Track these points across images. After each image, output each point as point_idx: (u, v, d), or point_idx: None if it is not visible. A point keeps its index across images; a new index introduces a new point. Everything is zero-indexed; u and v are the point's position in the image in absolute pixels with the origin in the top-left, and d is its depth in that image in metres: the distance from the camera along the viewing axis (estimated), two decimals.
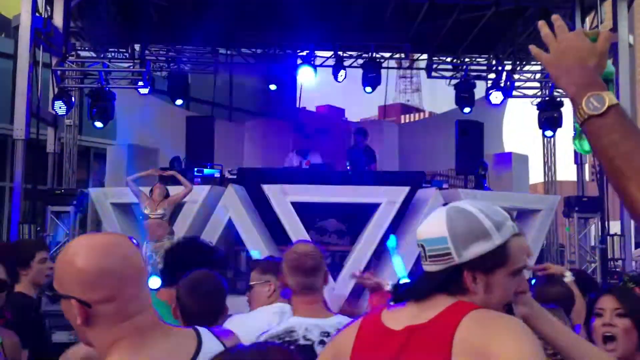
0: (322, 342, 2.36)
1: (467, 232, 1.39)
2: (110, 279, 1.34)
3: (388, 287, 3.34)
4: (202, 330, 1.52)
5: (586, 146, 1.21)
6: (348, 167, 10.35)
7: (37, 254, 3.36)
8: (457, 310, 1.35)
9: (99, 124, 10.08)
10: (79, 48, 12.20)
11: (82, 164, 14.30)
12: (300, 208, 8.75)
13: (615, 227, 10.19)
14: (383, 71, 12.35)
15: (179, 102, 12.02)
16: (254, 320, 2.90)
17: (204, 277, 2.44)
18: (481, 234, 1.39)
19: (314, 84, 13.03)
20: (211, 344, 1.47)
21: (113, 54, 12.60)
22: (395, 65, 15.32)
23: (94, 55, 12.32)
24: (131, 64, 11.16)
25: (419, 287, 1.46)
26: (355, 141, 10.66)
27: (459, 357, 1.27)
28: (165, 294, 2.65)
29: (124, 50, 12.60)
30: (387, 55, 12.74)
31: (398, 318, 1.44)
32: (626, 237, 9.52)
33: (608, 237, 9.55)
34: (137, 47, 12.39)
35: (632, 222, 9.48)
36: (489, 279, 1.38)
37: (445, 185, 9.70)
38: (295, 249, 2.54)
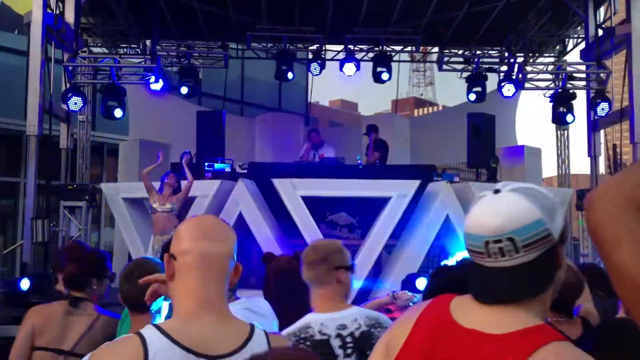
0: (338, 336, 2.38)
1: (550, 208, 1.30)
2: None
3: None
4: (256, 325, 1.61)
5: None
6: (359, 161, 10.33)
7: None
8: (538, 336, 1.24)
9: (118, 113, 10.10)
10: (91, 44, 12.30)
11: (95, 159, 14.43)
12: (311, 202, 8.76)
13: None
14: (395, 65, 12.29)
15: (184, 90, 12.03)
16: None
17: (140, 263, 2.55)
18: (553, 207, 1.32)
19: (327, 78, 13.01)
20: (261, 338, 1.55)
21: (125, 50, 12.67)
22: (407, 59, 15.25)
23: (105, 51, 12.40)
24: (142, 59, 11.20)
25: (520, 284, 1.29)
26: (370, 139, 10.69)
27: None
28: None
29: (136, 45, 12.66)
30: (398, 48, 12.69)
31: (467, 314, 1.34)
32: None
33: None
34: (148, 42, 12.45)
35: None
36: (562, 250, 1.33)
37: (456, 179, 9.63)
38: (312, 243, 2.63)
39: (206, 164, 9.40)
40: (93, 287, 3.12)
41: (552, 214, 1.30)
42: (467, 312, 1.35)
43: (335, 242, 2.61)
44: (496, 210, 1.29)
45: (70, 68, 9.86)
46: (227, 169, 9.49)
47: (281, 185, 8.63)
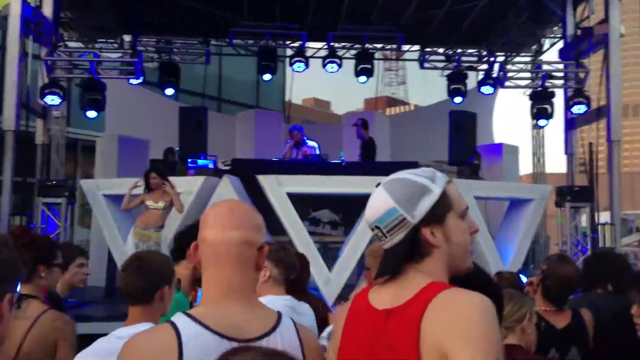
0: None
1: (410, 193, 1.46)
2: None
3: None
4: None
5: None
6: (342, 158, 10.34)
7: (77, 259, 3.63)
8: (428, 293, 1.38)
9: (92, 114, 9.95)
10: (67, 39, 12.05)
11: (69, 156, 14.15)
12: (294, 199, 8.73)
13: (603, 217, 10.31)
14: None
15: (169, 91, 11.86)
16: (271, 301, 2.87)
17: (139, 256, 2.51)
18: (421, 190, 1.47)
19: (300, 76, 13.00)
20: (289, 326, 1.60)
21: (102, 45, 12.46)
22: (381, 57, 15.31)
23: (82, 46, 12.17)
24: (122, 54, 11.02)
25: (389, 262, 1.49)
26: (358, 134, 10.72)
27: (426, 344, 1.31)
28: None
29: (113, 40, 12.46)
30: (379, 46, 12.73)
31: (382, 296, 1.49)
32: (616, 226, 9.62)
33: (599, 226, 9.65)
34: (127, 37, 12.27)
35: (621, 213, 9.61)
36: (444, 228, 1.46)
37: None
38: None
39: (189, 160, 9.31)
40: (41, 276, 2.79)
41: (412, 200, 1.46)
42: (379, 295, 1.50)
43: None
44: (369, 204, 1.52)
45: (50, 62, 9.65)
46: (211, 166, 9.41)
47: (266, 181, 8.59)
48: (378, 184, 1.53)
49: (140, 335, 1.48)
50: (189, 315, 1.48)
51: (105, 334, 2.27)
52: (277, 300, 2.85)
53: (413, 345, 1.32)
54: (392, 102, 78.25)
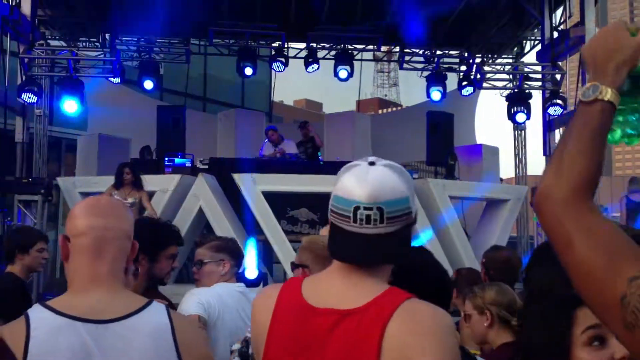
0: None
1: (412, 188, 1.41)
2: None
3: None
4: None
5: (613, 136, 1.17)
6: (320, 157, 10.39)
7: (38, 243, 3.69)
8: (390, 299, 1.31)
9: (70, 108, 9.92)
10: (49, 37, 12.05)
11: (53, 155, 14.12)
12: (272, 198, 8.78)
13: None
14: (358, 65, 12.42)
15: (148, 85, 11.80)
16: (224, 288, 2.97)
17: None
18: (414, 188, 1.42)
19: (293, 78, 13.04)
20: (160, 311, 1.58)
21: (84, 44, 12.46)
22: (371, 58, 15.38)
23: (64, 44, 12.16)
24: (101, 52, 11.02)
25: (377, 251, 1.35)
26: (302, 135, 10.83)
27: (387, 351, 1.26)
28: None
29: (95, 39, 12.46)
30: (360, 47, 12.79)
31: (320, 293, 1.38)
32: None
33: None
34: (107, 36, 12.27)
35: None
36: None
37: (415, 175, 9.79)
38: None
39: (166, 158, 9.34)
40: None
41: (414, 195, 1.39)
42: (319, 292, 1.39)
43: None
44: (372, 180, 1.35)
45: (26, 60, 9.66)
46: (188, 164, 9.44)
47: (241, 180, 8.64)
48: (372, 163, 1.39)
49: None
50: (43, 304, 1.51)
51: None
52: (230, 287, 3.02)
53: (374, 350, 1.26)
54: (384, 103, 78.49)
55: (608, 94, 1.06)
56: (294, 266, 2.59)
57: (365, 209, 1.33)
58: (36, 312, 1.50)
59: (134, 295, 1.63)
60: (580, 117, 1.07)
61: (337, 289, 1.36)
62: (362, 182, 1.35)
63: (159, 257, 2.58)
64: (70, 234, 1.58)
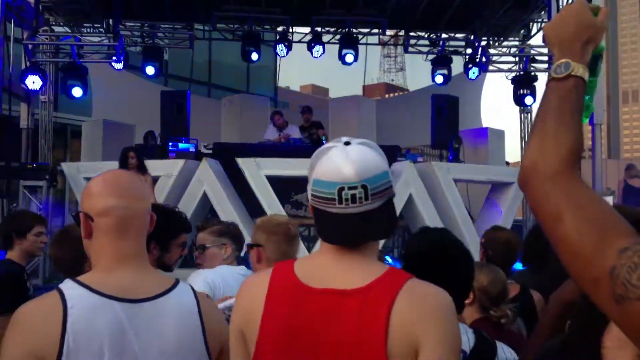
0: None
1: (387, 161, 1.42)
2: None
3: None
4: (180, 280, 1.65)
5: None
6: (324, 142, 10.36)
7: (35, 227, 3.58)
8: (392, 279, 1.33)
9: (77, 92, 9.93)
10: (53, 23, 12.03)
11: (59, 141, 14.17)
12: (276, 182, 8.77)
13: None
14: (364, 50, 12.33)
15: (150, 70, 11.76)
16: (227, 270, 2.99)
17: (72, 227, 2.51)
18: (387, 161, 1.43)
19: (299, 63, 12.99)
20: (187, 290, 1.61)
21: (88, 30, 12.43)
22: (376, 42, 15.27)
23: (68, 30, 12.15)
24: (105, 38, 11.00)
25: (360, 230, 1.35)
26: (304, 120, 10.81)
27: (394, 332, 1.28)
28: None
29: (99, 25, 12.43)
30: (365, 31, 12.70)
31: (315, 274, 1.37)
32: None
33: None
34: (111, 22, 12.22)
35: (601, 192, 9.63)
36: None
37: (420, 159, 9.75)
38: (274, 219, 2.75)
39: (170, 143, 9.35)
40: None
41: (391, 172, 1.41)
42: (314, 273, 1.38)
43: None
44: (353, 159, 1.35)
45: (30, 46, 9.67)
46: (192, 149, 9.44)
47: (245, 164, 8.63)
48: (347, 143, 1.38)
49: (28, 303, 1.49)
50: (77, 281, 1.49)
51: None
52: (232, 269, 3.04)
53: (381, 329, 1.27)
54: (391, 88, 78.17)
55: (580, 70, 1.09)
56: (249, 247, 2.60)
57: (350, 188, 1.34)
58: (69, 289, 1.47)
59: (162, 275, 1.64)
60: (555, 92, 1.09)
61: (331, 269, 1.36)
62: (345, 162, 1.35)
63: (170, 246, 2.58)
64: (92, 213, 1.56)
